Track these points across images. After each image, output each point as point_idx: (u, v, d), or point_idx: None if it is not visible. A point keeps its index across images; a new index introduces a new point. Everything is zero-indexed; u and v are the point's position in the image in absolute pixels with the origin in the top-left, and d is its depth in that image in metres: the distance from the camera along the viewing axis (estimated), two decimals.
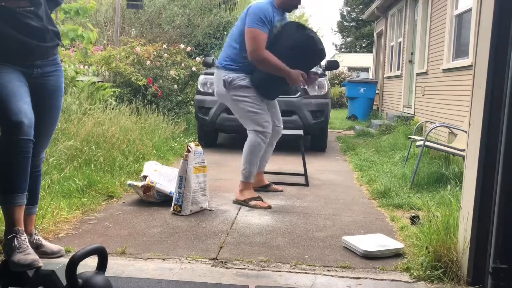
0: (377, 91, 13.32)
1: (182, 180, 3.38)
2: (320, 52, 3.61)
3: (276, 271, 2.40)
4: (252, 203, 3.65)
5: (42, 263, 2.10)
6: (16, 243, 2.15)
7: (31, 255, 2.10)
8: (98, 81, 6.72)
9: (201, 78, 6.85)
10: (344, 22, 34.79)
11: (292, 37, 3.56)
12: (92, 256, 1.81)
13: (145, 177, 3.67)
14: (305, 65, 3.66)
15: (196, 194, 3.42)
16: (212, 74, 6.74)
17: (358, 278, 2.35)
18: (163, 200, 3.61)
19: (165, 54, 8.33)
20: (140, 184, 3.62)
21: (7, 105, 2.13)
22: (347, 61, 26.91)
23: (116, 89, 6.89)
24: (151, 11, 12.22)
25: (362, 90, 12.66)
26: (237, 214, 3.45)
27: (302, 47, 3.55)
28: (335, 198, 4.05)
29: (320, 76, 6.61)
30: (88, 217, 3.20)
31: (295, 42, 3.54)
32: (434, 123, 6.10)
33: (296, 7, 3.75)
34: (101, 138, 4.63)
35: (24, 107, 2.17)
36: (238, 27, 3.71)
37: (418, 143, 4.72)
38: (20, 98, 2.19)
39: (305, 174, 4.62)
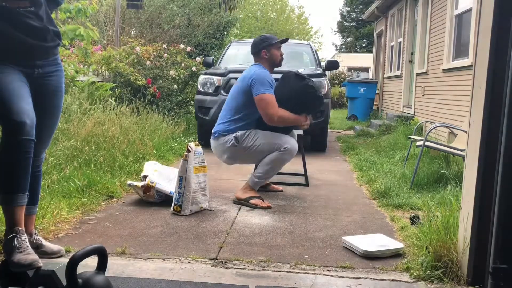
0: (377, 91, 13.32)
1: (182, 180, 3.38)
2: (320, 98, 4.00)
3: (276, 271, 2.40)
4: (252, 201, 3.65)
5: (42, 263, 2.10)
6: (16, 243, 2.15)
7: (31, 255, 2.10)
8: (98, 81, 6.71)
9: (201, 78, 6.85)
10: (344, 22, 34.78)
11: (296, 86, 3.81)
12: (92, 256, 1.81)
13: (145, 177, 3.67)
14: (308, 110, 3.94)
15: (196, 194, 3.42)
16: (212, 74, 6.79)
17: (358, 278, 2.35)
18: (163, 200, 3.61)
19: (165, 54, 8.33)
20: (140, 184, 3.62)
21: (9, 105, 2.13)
22: (347, 61, 26.91)
23: (113, 84, 6.88)
24: (151, 11, 12.20)
25: (362, 90, 12.66)
26: (237, 214, 3.45)
27: (307, 94, 3.81)
28: (335, 198, 4.05)
29: (320, 76, 6.64)
30: (88, 217, 3.20)
31: (299, 91, 3.80)
32: (434, 123, 6.10)
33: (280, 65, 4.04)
34: (101, 138, 4.64)
35: (26, 107, 2.17)
36: (239, 97, 3.81)
37: (418, 143, 4.72)
38: (22, 98, 2.19)
39: (305, 174, 4.62)
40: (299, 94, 3.79)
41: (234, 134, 3.75)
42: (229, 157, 3.86)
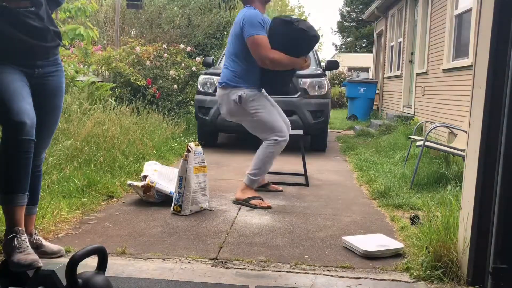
0: (377, 91, 13.32)
1: (182, 180, 3.38)
2: (314, 38, 3.76)
3: (276, 271, 2.40)
4: (252, 202, 3.65)
5: (42, 263, 2.10)
6: (16, 243, 2.15)
7: (31, 255, 2.10)
8: (98, 81, 6.71)
9: (201, 78, 6.85)
10: (344, 22, 34.76)
11: (286, 33, 3.65)
12: (92, 256, 1.81)
13: (145, 177, 3.67)
14: (304, 52, 3.80)
15: (196, 194, 3.42)
16: (212, 74, 6.79)
17: (358, 278, 2.35)
18: (163, 200, 3.61)
19: (165, 54, 8.33)
20: (140, 184, 3.62)
21: (9, 105, 2.13)
22: (347, 61, 26.92)
23: (113, 85, 6.88)
24: (151, 11, 12.20)
25: (362, 90, 12.66)
26: (237, 214, 3.45)
27: (299, 38, 3.66)
28: (335, 198, 4.05)
29: (320, 76, 6.64)
30: (88, 217, 3.20)
31: (290, 37, 3.65)
32: (434, 123, 6.10)
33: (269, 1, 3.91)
34: (101, 138, 4.63)
35: (26, 107, 2.18)
36: (236, 43, 3.73)
37: (418, 143, 4.72)
38: (22, 98, 2.19)
39: (305, 174, 4.62)
40: (291, 40, 3.65)
41: (241, 93, 3.66)
42: (228, 112, 3.80)
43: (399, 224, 3.24)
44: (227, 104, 3.76)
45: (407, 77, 10.63)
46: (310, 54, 7.90)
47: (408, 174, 4.63)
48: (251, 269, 2.42)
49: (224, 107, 3.79)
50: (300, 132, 4.99)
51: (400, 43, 11.64)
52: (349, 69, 27.76)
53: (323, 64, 8.02)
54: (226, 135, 7.94)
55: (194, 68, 8.43)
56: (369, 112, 12.68)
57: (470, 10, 6.57)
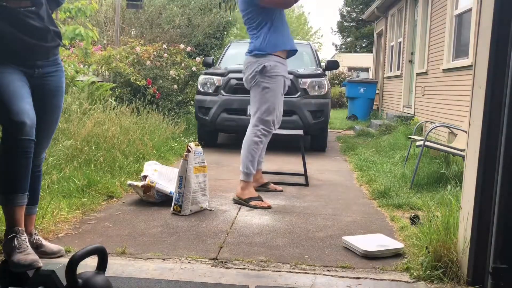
0: (377, 91, 13.33)
1: (182, 180, 3.38)
2: None
3: (276, 271, 2.40)
4: (252, 203, 3.65)
5: (42, 263, 2.10)
6: (16, 243, 2.15)
7: (31, 255, 2.10)
8: (98, 81, 6.71)
9: (201, 78, 6.85)
10: (344, 22, 34.75)
11: None
12: (92, 256, 1.81)
13: (145, 177, 3.67)
14: None
15: (196, 194, 3.42)
16: (212, 74, 6.80)
17: (358, 278, 2.35)
18: (163, 200, 3.61)
19: (165, 54, 8.33)
20: (140, 184, 3.62)
21: (9, 105, 2.13)
22: (347, 61, 26.91)
23: (113, 85, 6.88)
24: (151, 11, 12.20)
25: (362, 90, 12.66)
26: (237, 214, 3.45)
27: None
28: (335, 198, 4.05)
29: (320, 76, 6.64)
30: (88, 217, 3.20)
31: None
32: (434, 123, 6.10)
33: None
34: (101, 138, 4.63)
35: (26, 107, 2.18)
36: (250, 11, 3.75)
37: (418, 143, 4.72)
38: (22, 98, 2.19)
39: (305, 174, 4.62)
40: None
41: (267, 63, 3.70)
42: (247, 77, 3.82)
43: (399, 224, 3.24)
44: (250, 70, 3.77)
45: (407, 77, 10.63)
46: (310, 54, 7.95)
47: (408, 174, 4.63)
48: (251, 269, 2.42)
49: (247, 72, 3.81)
50: (300, 132, 4.99)
51: (400, 43, 11.64)
52: (349, 69, 27.75)
53: (323, 64, 8.02)
54: (226, 135, 7.94)
55: (194, 68, 8.43)
56: (369, 112, 12.69)
57: (470, 10, 6.57)
